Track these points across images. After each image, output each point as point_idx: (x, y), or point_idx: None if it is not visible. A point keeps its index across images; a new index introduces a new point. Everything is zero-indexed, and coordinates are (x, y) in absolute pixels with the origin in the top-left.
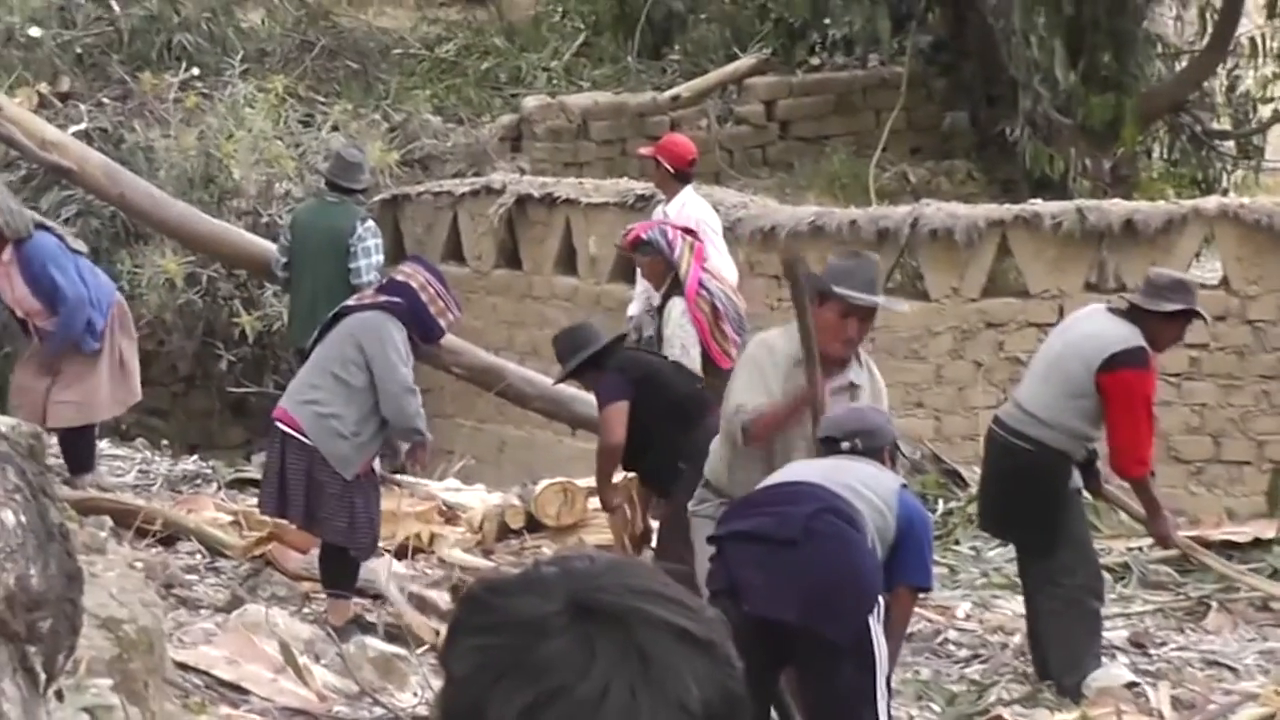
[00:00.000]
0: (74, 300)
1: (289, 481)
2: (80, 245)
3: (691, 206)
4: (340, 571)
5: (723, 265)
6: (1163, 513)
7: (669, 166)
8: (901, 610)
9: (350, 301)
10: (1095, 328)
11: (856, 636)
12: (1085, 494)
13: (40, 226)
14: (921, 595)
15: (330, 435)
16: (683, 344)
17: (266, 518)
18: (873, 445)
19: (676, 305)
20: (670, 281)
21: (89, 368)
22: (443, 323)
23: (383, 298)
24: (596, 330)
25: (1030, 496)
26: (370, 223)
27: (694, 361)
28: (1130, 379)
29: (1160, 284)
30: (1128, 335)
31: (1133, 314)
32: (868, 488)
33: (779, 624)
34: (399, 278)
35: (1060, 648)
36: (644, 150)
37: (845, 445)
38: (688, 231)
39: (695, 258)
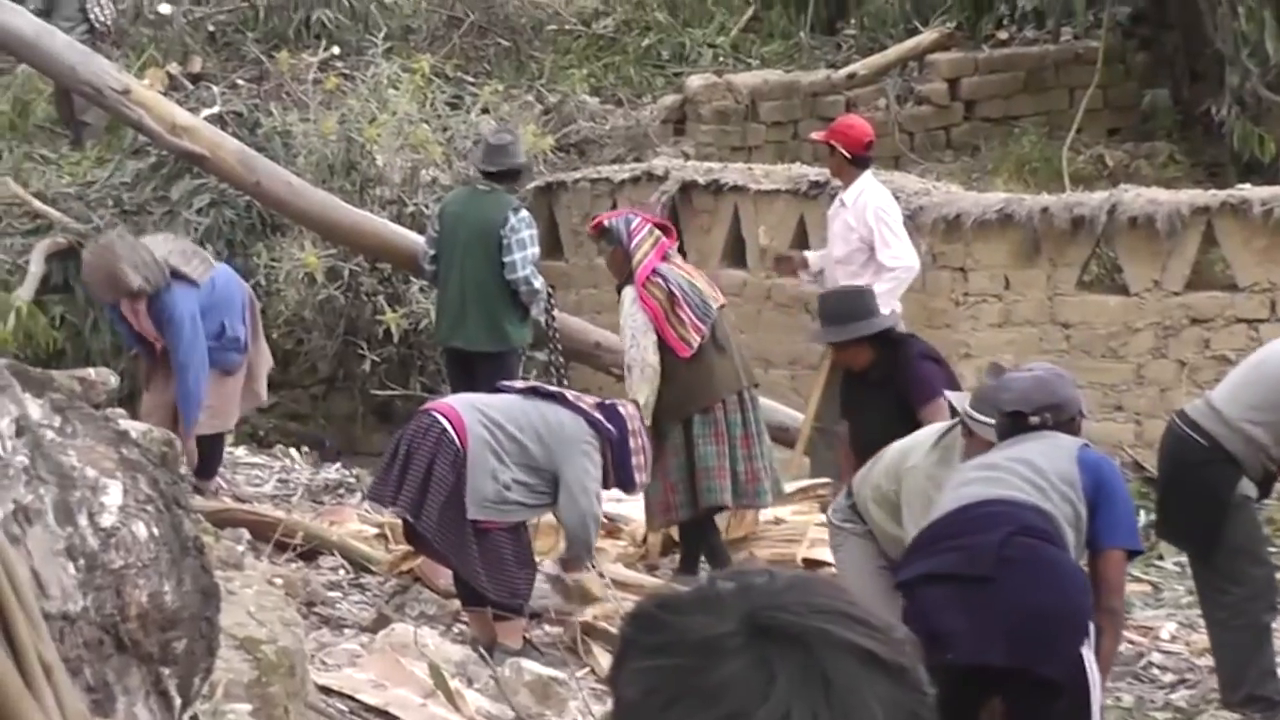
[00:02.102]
0: (194, 369)
1: (432, 486)
2: (205, 263)
3: (870, 194)
4: (511, 586)
5: (904, 255)
6: None
7: (845, 152)
8: (1115, 575)
9: (571, 394)
10: None
11: (1070, 670)
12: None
13: (175, 274)
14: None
15: (485, 473)
16: (632, 333)
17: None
18: (1062, 418)
19: (627, 294)
20: (627, 272)
21: (225, 374)
22: (639, 478)
23: (599, 415)
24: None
25: (1193, 497)
26: (524, 213)
27: (645, 350)
28: None
29: None
30: None
31: None
32: (1048, 473)
33: (985, 668)
34: (621, 410)
35: (1224, 662)
36: (817, 135)
37: (1035, 420)
38: (662, 227)
39: (655, 250)
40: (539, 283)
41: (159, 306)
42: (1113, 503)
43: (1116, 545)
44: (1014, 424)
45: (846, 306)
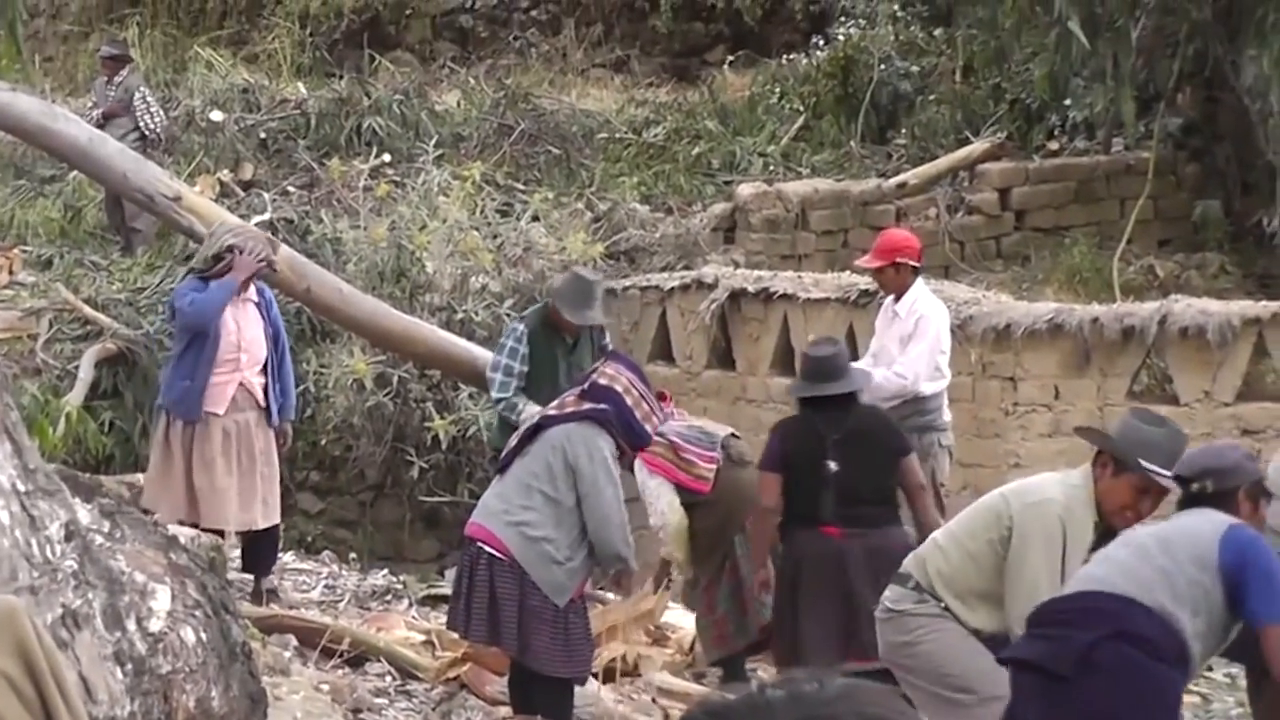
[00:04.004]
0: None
1: (501, 607)
2: None
3: (923, 303)
4: (557, 702)
5: (914, 361)
6: None
7: (914, 263)
8: (1274, 652)
9: (552, 410)
10: None
11: None
12: None
13: None
14: None
15: (544, 561)
16: (655, 507)
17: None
18: (1224, 487)
19: (640, 470)
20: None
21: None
22: (649, 428)
23: (588, 405)
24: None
25: None
26: (514, 324)
27: (664, 515)
28: None
29: None
30: None
31: None
32: (1181, 554)
33: None
34: (602, 381)
35: None
36: (871, 262)
37: (1195, 486)
38: (657, 396)
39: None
40: (493, 391)
41: (271, 295)
42: (1264, 579)
43: (1274, 621)
44: (1182, 490)
45: (831, 365)
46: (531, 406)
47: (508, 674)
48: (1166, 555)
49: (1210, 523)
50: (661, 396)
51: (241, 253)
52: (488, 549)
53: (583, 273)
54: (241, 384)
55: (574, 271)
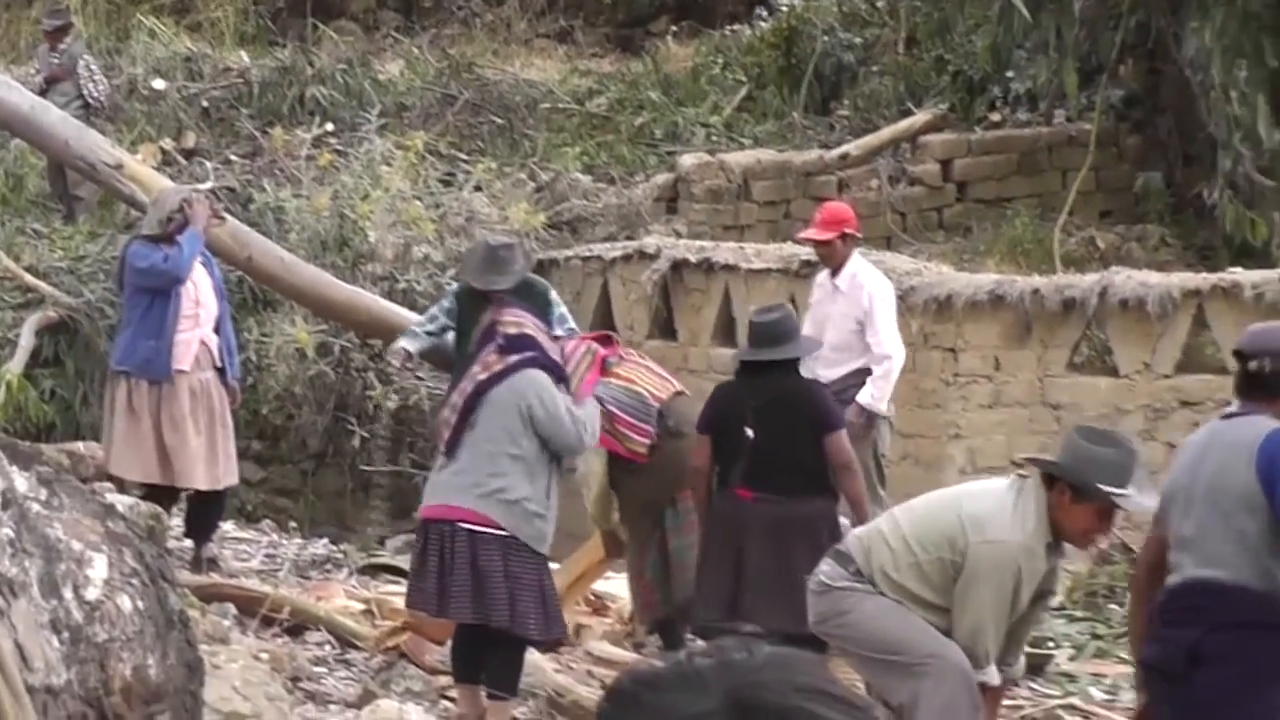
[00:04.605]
0: None
1: (487, 580)
2: None
3: (865, 275)
4: (513, 671)
5: (888, 338)
6: None
7: (856, 233)
8: None
9: (481, 377)
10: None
11: None
12: None
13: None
14: None
15: (528, 519)
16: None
17: (426, 615)
18: None
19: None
20: None
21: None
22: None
23: (514, 357)
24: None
25: None
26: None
27: (590, 473)
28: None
29: None
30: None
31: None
32: (1235, 505)
33: None
34: (511, 330)
35: None
36: (818, 235)
37: (1253, 365)
38: (601, 338)
39: (593, 368)
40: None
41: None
42: None
43: None
44: (1240, 367)
45: (771, 331)
46: (415, 342)
47: (451, 642)
48: (1224, 519)
49: (1258, 428)
50: (608, 340)
51: (193, 205)
52: (465, 525)
53: (492, 240)
54: (202, 341)
55: (484, 238)
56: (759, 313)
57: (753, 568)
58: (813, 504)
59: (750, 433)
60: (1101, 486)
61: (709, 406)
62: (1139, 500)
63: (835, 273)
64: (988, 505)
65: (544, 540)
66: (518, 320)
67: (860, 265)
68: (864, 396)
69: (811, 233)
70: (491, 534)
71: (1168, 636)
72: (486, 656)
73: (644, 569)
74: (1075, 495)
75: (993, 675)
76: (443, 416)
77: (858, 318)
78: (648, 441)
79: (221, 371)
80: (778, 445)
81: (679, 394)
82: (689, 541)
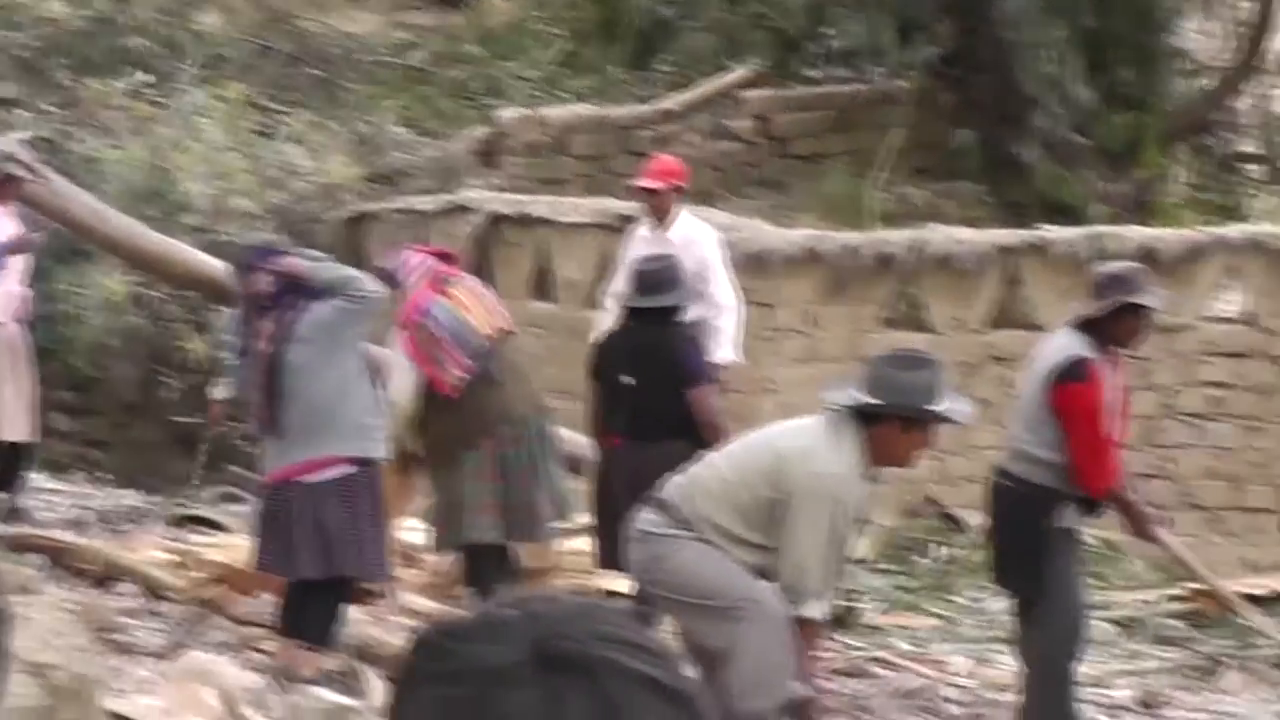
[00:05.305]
0: None
1: (332, 531)
2: None
3: (696, 229)
4: (326, 621)
5: (727, 289)
6: (1138, 509)
7: (685, 185)
8: None
9: (269, 350)
10: (1049, 347)
11: None
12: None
13: None
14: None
15: (366, 434)
16: (393, 382)
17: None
18: None
19: (396, 346)
20: None
21: None
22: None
23: (288, 314)
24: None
25: (1013, 537)
26: None
27: (400, 390)
28: (1070, 394)
29: (1097, 283)
30: (1067, 346)
31: (1082, 324)
32: None
33: None
34: (265, 288)
35: (1029, 704)
36: (650, 184)
37: None
38: (442, 255)
39: (427, 282)
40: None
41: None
42: None
43: None
44: None
45: (650, 279)
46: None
47: (281, 595)
48: None
49: None
50: (448, 256)
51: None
52: (305, 480)
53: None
54: (11, 293)
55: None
56: (644, 260)
57: (623, 516)
58: (673, 446)
59: (624, 379)
60: (932, 409)
61: (594, 354)
62: (963, 411)
63: (664, 226)
64: (805, 440)
65: (377, 442)
66: (266, 272)
67: (691, 219)
68: (725, 354)
69: (644, 181)
70: (324, 481)
71: None
72: (304, 607)
73: (439, 506)
74: (906, 425)
75: (819, 609)
76: (252, 401)
77: (692, 270)
78: (464, 376)
79: (30, 324)
80: (649, 392)
81: (508, 333)
82: (485, 487)
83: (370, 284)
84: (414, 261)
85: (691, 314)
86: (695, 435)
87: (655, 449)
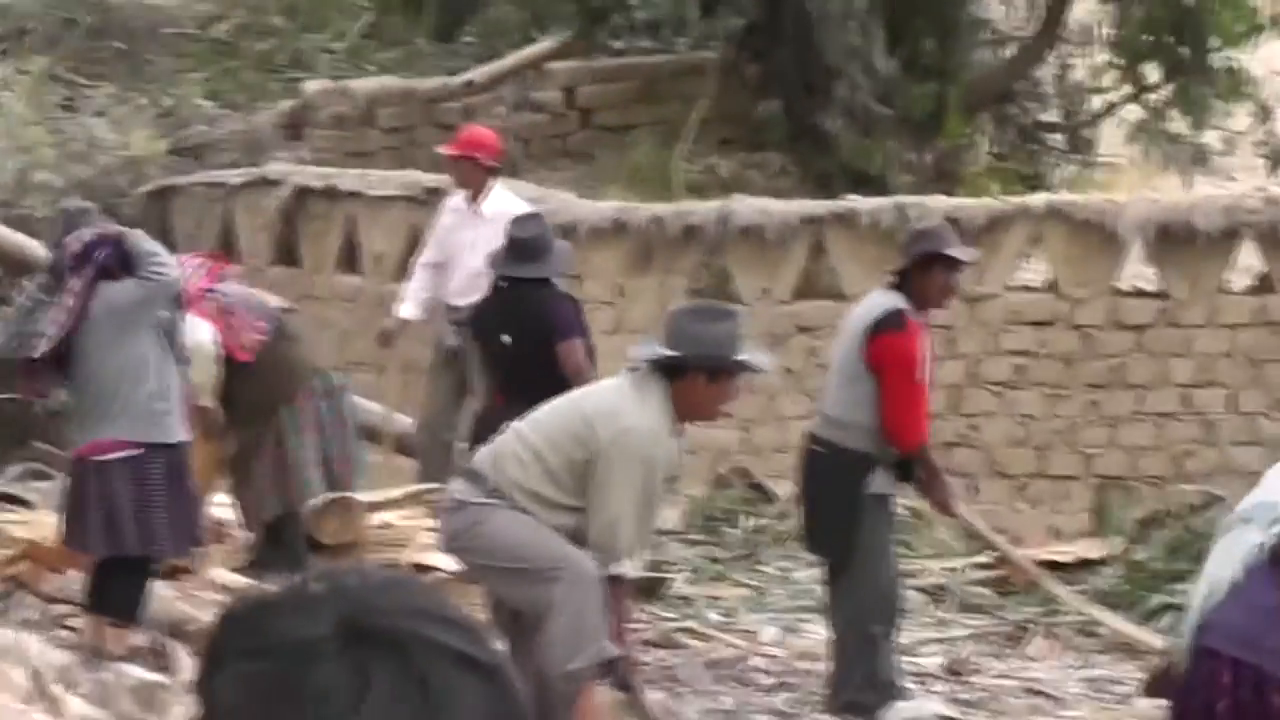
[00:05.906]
0: None
1: (121, 509)
2: None
3: (512, 205)
4: (134, 596)
5: None
6: (942, 480)
7: (491, 161)
8: None
9: (67, 321)
10: (863, 306)
11: None
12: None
13: None
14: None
15: (159, 418)
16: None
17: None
18: None
19: (185, 321)
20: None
21: None
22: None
23: (92, 277)
24: None
25: (824, 503)
26: None
27: (202, 368)
28: (886, 344)
29: (906, 240)
30: (882, 302)
31: (895, 282)
32: None
33: None
34: (75, 249)
35: (839, 671)
36: (448, 150)
37: None
38: (213, 256)
39: (205, 276)
40: None
41: None
42: None
43: None
44: None
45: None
46: None
47: (90, 574)
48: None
49: None
50: (216, 256)
51: None
52: (95, 459)
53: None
54: None
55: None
56: (515, 224)
57: None
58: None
59: (505, 339)
60: (734, 358)
61: (473, 316)
62: (763, 360)
63: (476, 199)
64: (611, 399)
65: (173, 432)
66: (70, 243)
67: (504, 193)
68: None
69: (444, 148)
70: (131, 455)
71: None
72: (110, 583)
73: (263, 471)
74: (711, 377)
75: (630, 568)
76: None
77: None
78: (260, 338)
79: None
80: (528, 352)
81: (289, 309)
82: (307, 440)
83: (168, 264)
84: (192, 262)
85: None
86: (569, 388)
87: (534, 404)
